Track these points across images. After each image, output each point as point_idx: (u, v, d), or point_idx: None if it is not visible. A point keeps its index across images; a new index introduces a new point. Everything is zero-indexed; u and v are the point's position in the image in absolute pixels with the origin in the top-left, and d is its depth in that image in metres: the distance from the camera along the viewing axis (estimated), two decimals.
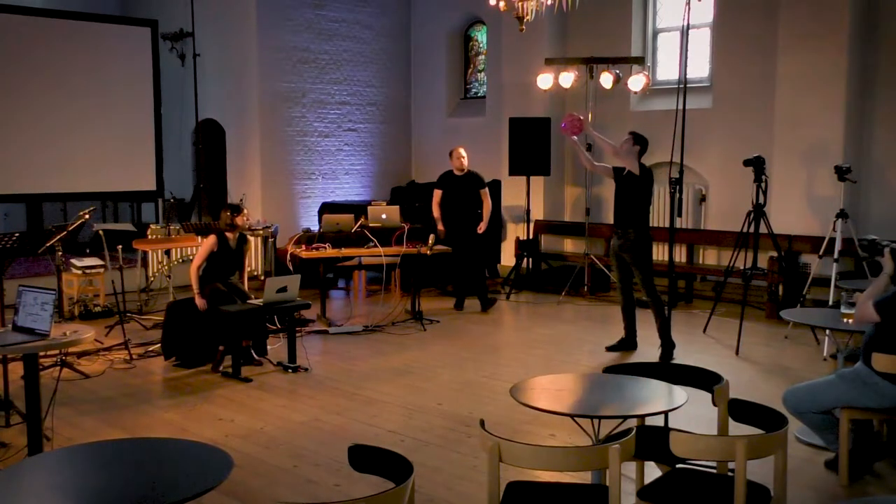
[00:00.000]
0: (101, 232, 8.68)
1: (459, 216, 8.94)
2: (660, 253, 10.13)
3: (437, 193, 9.02)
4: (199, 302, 6.63)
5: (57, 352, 6.21)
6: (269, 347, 7.00)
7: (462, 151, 8.96)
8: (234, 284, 6.89)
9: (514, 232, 10.90)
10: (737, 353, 7.06)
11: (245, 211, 6.95)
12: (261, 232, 9.48)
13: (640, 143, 6.96)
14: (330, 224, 8.69)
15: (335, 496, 4.19)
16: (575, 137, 7.27)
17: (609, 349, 7.18)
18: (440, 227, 8.86)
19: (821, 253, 7.66)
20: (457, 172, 8.96)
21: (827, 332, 6.11)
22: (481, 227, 9.00)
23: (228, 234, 6.83)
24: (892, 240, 4.50)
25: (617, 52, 10.10)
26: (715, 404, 3.68)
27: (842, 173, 7.44)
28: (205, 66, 11.16)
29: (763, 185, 7.44)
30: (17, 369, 5.21)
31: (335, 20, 11.84)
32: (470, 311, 8.94)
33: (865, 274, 7.31)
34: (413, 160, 12.97)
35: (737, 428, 3.52)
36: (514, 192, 10.81)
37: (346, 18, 11.97)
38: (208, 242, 6.78)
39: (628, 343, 7.17)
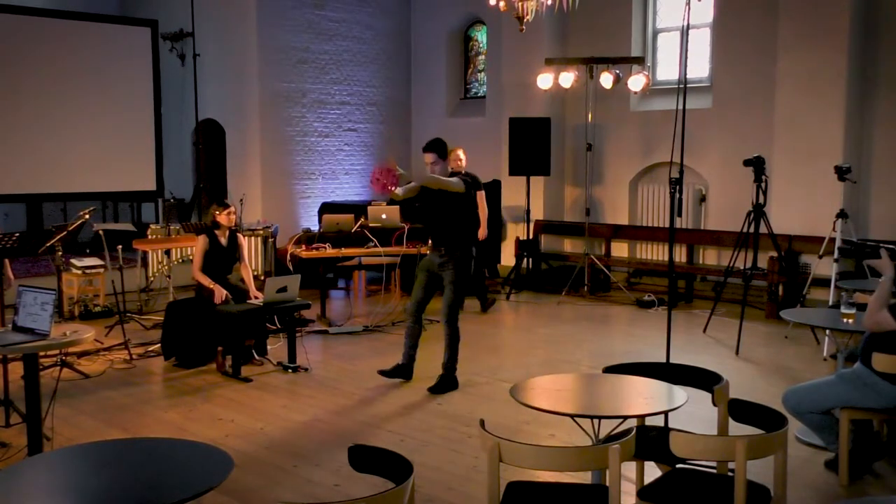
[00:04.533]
0: (101, 232, 8.66)
1: None
2: (660, 253, 10.14)
3: None
4: (219, 292, 6.60)
5: (57, 352, 6.21)
6: (269, 347, 7.00)
7: (460, 153, 8.92)
8: (234, 285, 6.88)
9: (514, 232, 10.89)
10: (737, 353, 7.05)
11: (231, 208, 6.92)
12: (261, 232, 9.47)
13: (434, 149, 6.06)
14: (330, 224, 8.70)
15: (335, 496, 4.19)
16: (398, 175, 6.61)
17: (382, 373, 6.26)
18: None
19: (821, 253, 7.66)
20: None
21: (827, 332, 6.11)
22: (482, 234, 8.96)
23: (217, 232, 6.83)
24: (891, 241, 4.45)
25: (617, 52, 10.09)
26: (715, 404, 3.68)
27: (842, 173, 7.44)
28: (205, 66, 11.16)
29: (763, 185, 7.43)
30: (17, 369, 5.21)
31: (335, 20, 11.84)
32: (470, 311, 8.93)
33: (865, 274, 7.30)
34: (413, 160, 12.96)
35: (737, 428, 3.52)
36: (514, 192, 10.81)
37: (346, 18, 11.97)
38: (200, 243, 6.79)
39: (405, 370, 6.27)
